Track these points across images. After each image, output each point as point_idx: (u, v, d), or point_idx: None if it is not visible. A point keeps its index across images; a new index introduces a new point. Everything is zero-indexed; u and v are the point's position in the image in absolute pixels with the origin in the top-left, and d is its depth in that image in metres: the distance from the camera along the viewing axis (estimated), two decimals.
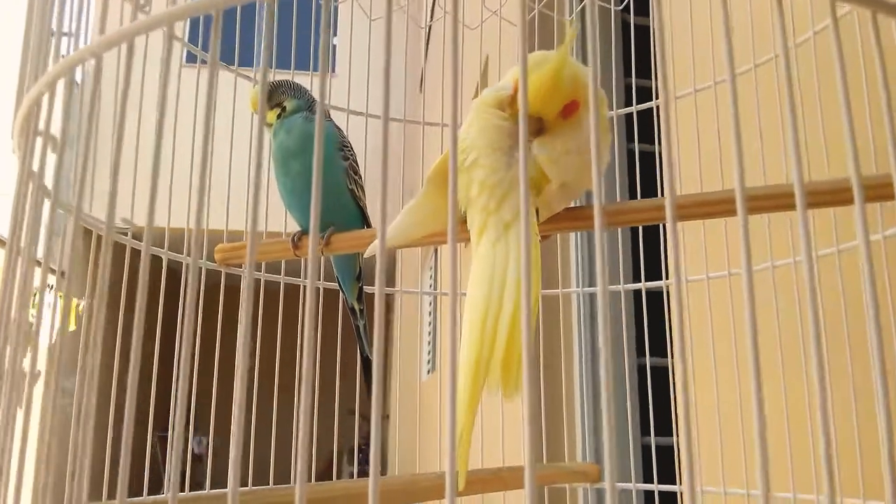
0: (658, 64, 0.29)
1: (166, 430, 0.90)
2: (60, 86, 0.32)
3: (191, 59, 1.00)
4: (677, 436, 0.96)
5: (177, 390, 0.26)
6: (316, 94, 0.84)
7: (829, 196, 0.43)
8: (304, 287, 0.95)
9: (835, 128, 0.75)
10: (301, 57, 0.97)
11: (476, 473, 0.59)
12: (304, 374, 0.26)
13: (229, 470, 0.26)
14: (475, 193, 0.51)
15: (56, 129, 0.33)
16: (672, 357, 1.00)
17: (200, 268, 0.82)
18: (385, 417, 5.05)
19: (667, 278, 0.97)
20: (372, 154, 0.93)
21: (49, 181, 0.39)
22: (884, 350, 0.27)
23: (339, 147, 0.79)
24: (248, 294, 0.29)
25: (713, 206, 0.47)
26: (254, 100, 0.77)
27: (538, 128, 0.52)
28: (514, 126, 0.52)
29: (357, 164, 0.81)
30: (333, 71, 4.96)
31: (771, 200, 0.44)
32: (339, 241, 0.66)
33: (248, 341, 0.27)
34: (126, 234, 0.68)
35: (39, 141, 0.35)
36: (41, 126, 0.34)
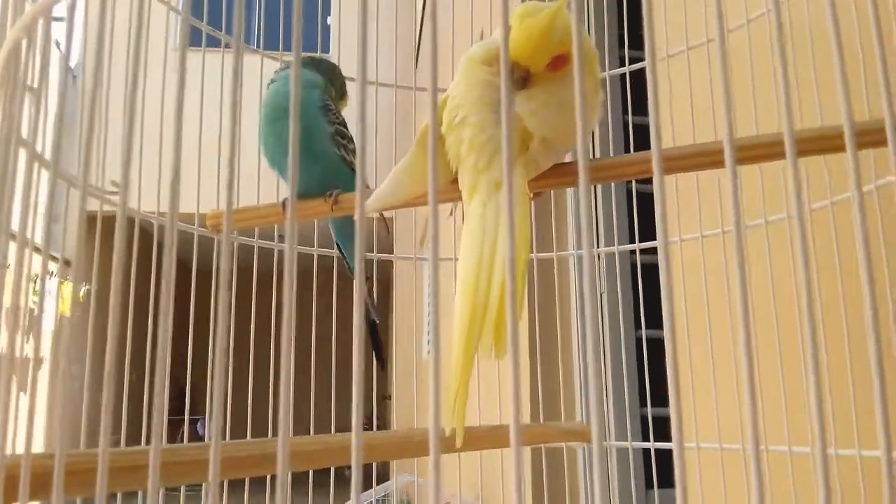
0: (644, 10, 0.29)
1: (170, 414, 0.90)
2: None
3: (195, 42, 0.99)
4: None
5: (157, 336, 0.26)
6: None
7: (820, 143, 0.42)
8: (312, 255, 0.95)
9: (825, 78, 0.74)
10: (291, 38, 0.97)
11: (472, 431, 0.60)
12: (283, 339, 0.26)
13: (212, 420, 0.26)
14: (465, 152, 0.51)
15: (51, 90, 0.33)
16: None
17: (193, 237, 0.82)
18: (386, 398, 5.07)
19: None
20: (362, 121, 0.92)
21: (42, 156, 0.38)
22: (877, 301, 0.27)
23: (324, 111, 0.77)
24: (226, 254, 0.28)
25: (699, 158, 0.46)
26: None
27: (524, 77, 0.51)
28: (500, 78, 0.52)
29: (346, 130, 0.79)
30: (327, 51, 4.93)
31: (760, 150, 0.44)
32: (347, 200, 0.66)
33: (228, 302, 0.27)
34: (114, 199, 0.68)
35: (41, 124, 0.34)
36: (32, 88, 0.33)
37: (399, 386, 3.78)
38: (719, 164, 0.46)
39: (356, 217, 0.29)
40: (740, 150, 0.44)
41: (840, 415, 0.71)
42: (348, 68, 1.01)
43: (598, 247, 1.56)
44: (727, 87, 0.29)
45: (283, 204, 0.69)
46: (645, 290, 1.01)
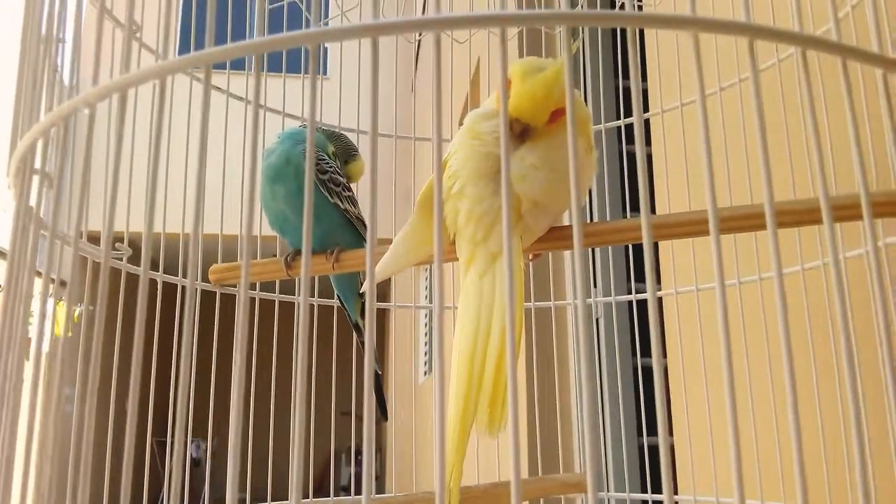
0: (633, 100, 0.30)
1: (164, 434, 0.90)
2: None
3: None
4: (667, 437, 0.96)
5: (174, 426, 0.26)
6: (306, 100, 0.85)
7: (802, 216, 0.44)
8: (299, 304, 0.96)
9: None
10: (292, 59, 0.97)
11: (469, 491, 0.60)
12: (298, 391, 0.27)
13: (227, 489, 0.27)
14: (462, 223, 0.51)
15: (52, 168, 0.34)
16: (665, 358, 1.01)
17: (197, 282, 0.83)
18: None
19: (659, 288, 0.98)
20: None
21: (44, 211, 0.40)
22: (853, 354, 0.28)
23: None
24: (243, 316, 0.29)
25: (687, 227, 0.48)
26: None
27: (522, 131, 0.51)
28: (498, 150, 0.52)
29: (340, 176, 0.79)
30: (325, 73, 4.93)
31: (743, 221, 0.46)
32: (348, 258, 0.67)
33: (245, 356, 0.28)
34: (121, 260, 0.69)
35: (36, 177, 0.35)
36: (38, 165, 0.35)
37: (397, 410, 3.74)
38: (702, 233, 0.47)
39: (367, 280, 0.30)
40: (724, 220, 0.46)
41: (835, 471, 0.72)
42: (346, 92, 1.01)
43: (595, 296, 1.56)
44: (709, 159, 0.30)
45: (286, 260, 0.70)
46: (641, 319, 1.02)
